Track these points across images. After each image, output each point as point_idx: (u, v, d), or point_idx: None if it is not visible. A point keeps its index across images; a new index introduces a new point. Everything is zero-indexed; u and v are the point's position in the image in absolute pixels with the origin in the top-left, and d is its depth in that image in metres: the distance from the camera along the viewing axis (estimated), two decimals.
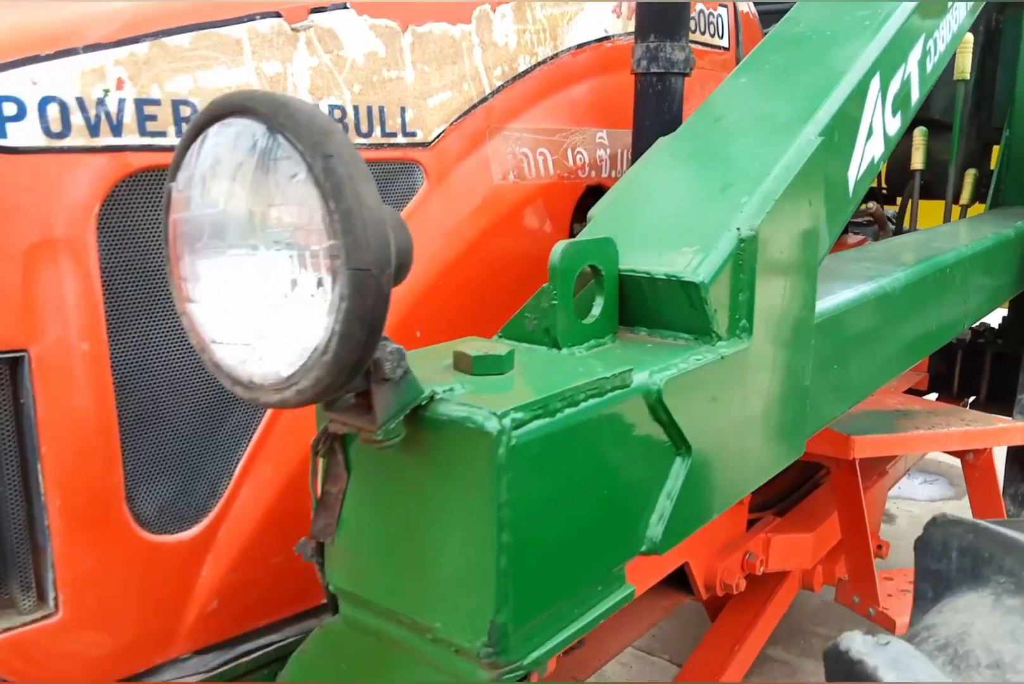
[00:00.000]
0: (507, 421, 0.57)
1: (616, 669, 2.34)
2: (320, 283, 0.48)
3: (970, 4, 1.40)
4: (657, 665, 2.36)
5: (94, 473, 0.79)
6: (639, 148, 1.07)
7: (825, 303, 1.07)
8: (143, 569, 0.84)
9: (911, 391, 2.30)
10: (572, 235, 1.19)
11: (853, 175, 1.06)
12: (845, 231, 2.32)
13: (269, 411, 0.86)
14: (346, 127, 0.91)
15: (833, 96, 1.01)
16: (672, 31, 1.07)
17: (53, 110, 0.71)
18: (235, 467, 0.87)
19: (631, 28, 1.20)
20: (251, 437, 0.86)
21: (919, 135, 2.32)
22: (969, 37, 2.16)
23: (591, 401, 0.65)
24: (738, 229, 0.82)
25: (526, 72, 1.09)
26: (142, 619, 0.84)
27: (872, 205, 2.42)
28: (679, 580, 1.73)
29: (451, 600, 0.63)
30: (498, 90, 1.05)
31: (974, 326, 2.43)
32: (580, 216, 1.18)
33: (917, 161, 2.34)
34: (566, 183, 1.16)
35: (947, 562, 0.89)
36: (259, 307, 0.51)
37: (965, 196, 2.46)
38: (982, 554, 0.86)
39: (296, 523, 0.88)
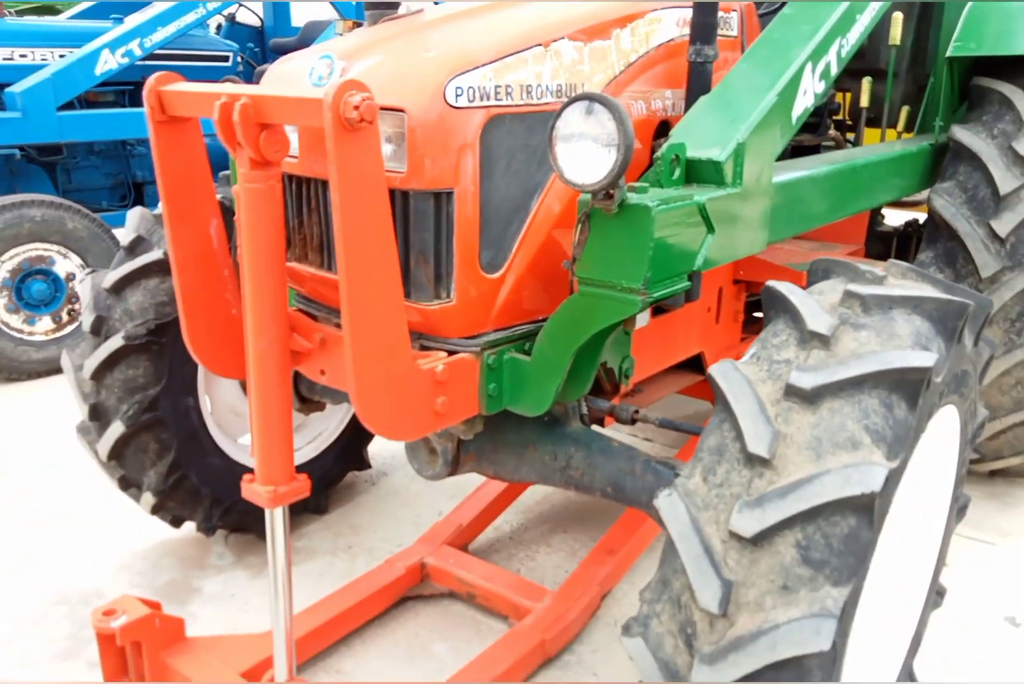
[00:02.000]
0: (658, 203, 1.68)
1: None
2: (612, 151, 1.57)
3: (874, 13, 2.45)
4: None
5: (469, 245, 1.89)
6: (689, 101, 2.15)
7: (780, 177, 2.17)
8: (480, 290, 1.95)
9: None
10: (653, 146, 2.26)
11: (796, 114, 2.14)
12: (817, 149, 3.37)
13: (532, 212, 1.95)
14: (571, 91, 1.99)
15: (785, 75, 2.08)
16: (708, 38, 2.13)
17: (475, 91, 1.80)
18: (515, 246, 1.98)
19: (686, 32, 2.25)
20: (524, 228, 1.97)
21: (865, 82, 3.35)
22: (899, 15, 3.18)
23: (681, 203, 1.76)
24: (737, 139, 1.92)
25: (634, 61, 2.16)
26: (481, 308, 1.96)
27: (833, 132, 3.48)
28: (697, 366, 2.88)
29: (629, 272, 1.74)
30: (621, 72, 2.13)
31: (908, 220, 3.54)
32: (658, 135, 2.27)
33: (864, 101, 3.37)
34: (651, 118, 2.24)
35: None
36: (583, 155, 1.61)
37: (900, 126, 3.52)
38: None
39: (537, 271, 1.99)
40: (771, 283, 1.70)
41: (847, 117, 3.67)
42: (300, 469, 3.15)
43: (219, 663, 2.30)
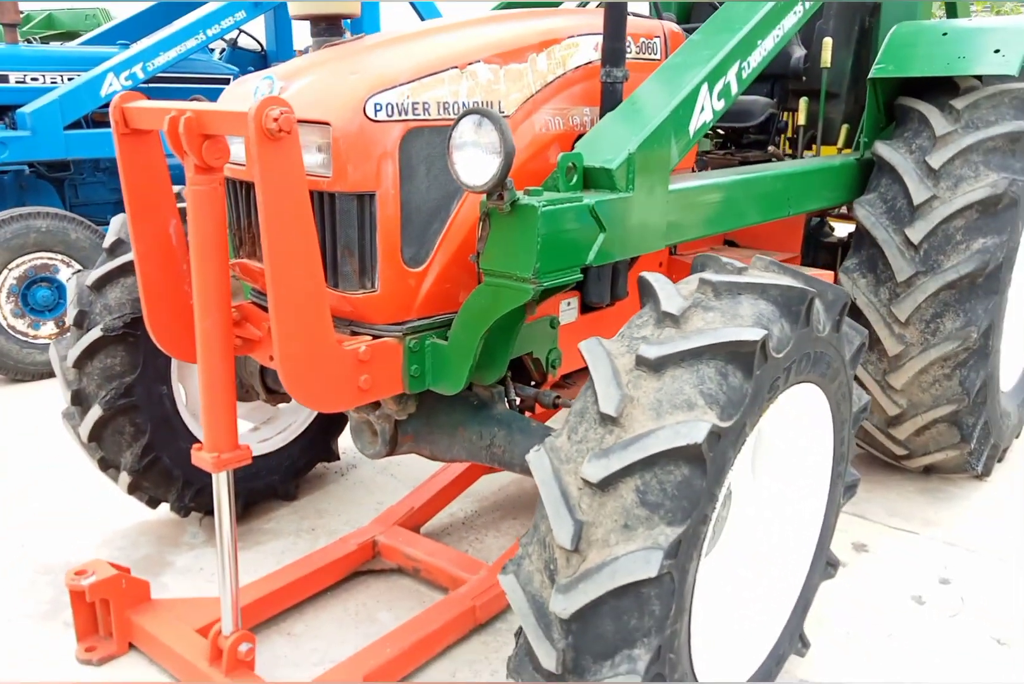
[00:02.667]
0: (544, 203, 1.94)
1: None
2: (496, 157, 1.83)
3: (778, 39, 2.72)
4: None
5: (391, 241, 2.16)
6: (602, 116, 2.41)
7: (679, 184, 2.43)
8: (403, 282, 2.21)
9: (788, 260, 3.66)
10: None
11: (693, 128, 2.40)
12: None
13: (452, 214, 2.22)
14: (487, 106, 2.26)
15: (680, 94, 2.34)
16: (617, 61, 2.40)
17: (392, 107, 2.07)
18: (436, 242, 2.24)
19: (598, 57, 2.51)
20: (445, 228, 2.23)
21: (802, 102, 3.63)
22: (828, 40, 3.45)
23: (569, 204, 2.01)
24: (629, 149, 2.17)
25: (551, 82, 2.44)
26: (404, 298, 2.22)
27: (772, 149, 3.74)
28: None
29: (522, 264, 1.99)
30: (537, 91, 2.40)
31: (851, 232, 3.77)
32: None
33: (801, 119, 3.64)
34: (569, 132, 2.51)
35: None
36: (473, 161, 1.87)
37: (840, 142, 3.78)
38: None
39: (458, 266, 2.25)
40: (643, 274, 1.95)
41: (791, 134, 3.92)
42: (269, 458, 3.46)
43: (178, 621, 2.55)
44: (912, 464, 3.61)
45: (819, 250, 3.85)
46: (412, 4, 6.54)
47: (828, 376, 2.14)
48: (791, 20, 2.75)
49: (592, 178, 2.17)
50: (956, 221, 3.11)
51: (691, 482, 1.66)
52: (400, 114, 2.08)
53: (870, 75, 3.34)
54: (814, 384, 2.12)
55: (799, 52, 3.67)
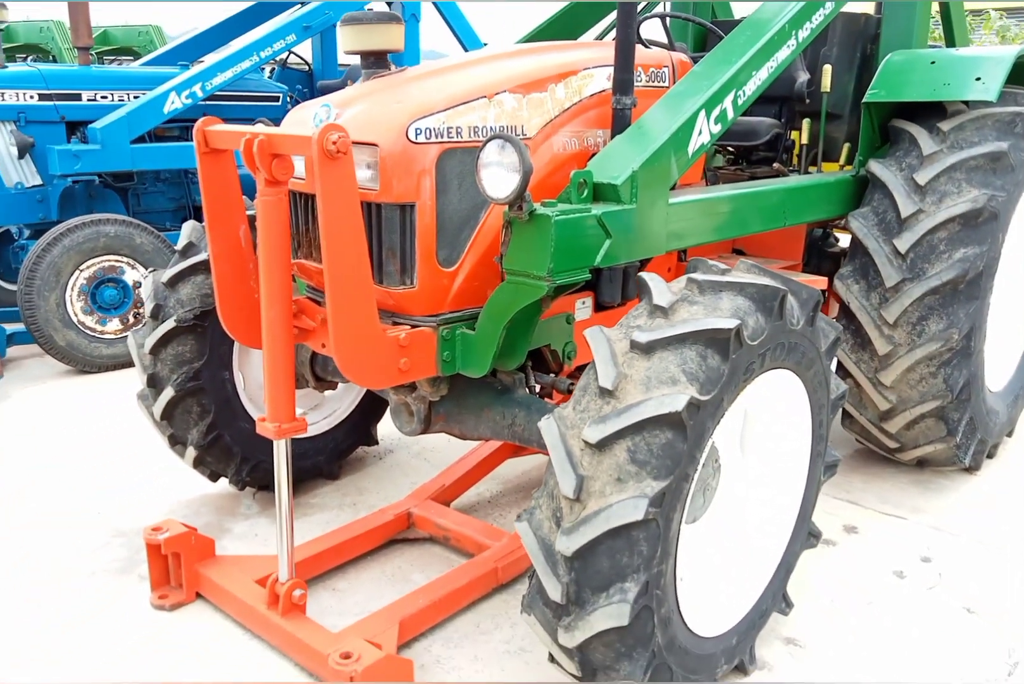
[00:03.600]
0: (557, 213, 2.29)
1: None
2: (516, 174, 2.20)
3: (772, 70, 3.06)
4: None
5: (428, 245, 2.52)
6: (613, 138, 2.77)
7: (680, 198, 2.78)
8: (438, 280, 2.58)
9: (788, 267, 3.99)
10: None
11: (692, 149, 2.75)
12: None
13: (481, 222, 2.59)
14: (510, 131, 2.63)
15: (679, 119, 2.70)
16: (626, 90, 2.76)
17: (430, 131, 2.45)
18: (467, 246, 2.61)
19: (610, 86, 2.87)
20: (474, 234, 2.60)
21: (805, 124, 3.96)
22: (828, 67, 3.78)
23: (578, 214, 2.37)
24: (632, 168, 2.53)
25: (568, 108, 2.80)
26: (438, 294, 2.59)
27: (777, 165, 4.07)
28: None
29: (538, 264, 2.35)
30: (556, 116, 2.77)
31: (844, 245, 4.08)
32: None
33: (804, 139, 3.98)
34: (584, 152, 2.87)
35: None
36: (497, 178, 2.24)
37: (842, 160, 4.10)
38: None
39: (485, 266, 2.62)
40: (641, 274, 2.30)
41: (798, 152, 4.25)
42: (316, 440, 3.84)
43: (239, 573, 2.93)
44: (905, 457, 3.90)
45: (823, 259, 4.17)
46: (453, 32, 6.97)
47: (803, 364, 2.47)
48: (784, 53, 3.09)
49: (601, 192, 2.52)
50: (940, 232, 3.41)
51: (673, 444, 2.00)
52: (437, 137, 2.45)
53: (864, 99, 3.67)
54: (790, 371, 2.45)
55: (803, 77, 3.99)
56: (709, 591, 2.51)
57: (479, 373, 2.61)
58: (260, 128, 2.42)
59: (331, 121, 2.50)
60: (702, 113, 2.76)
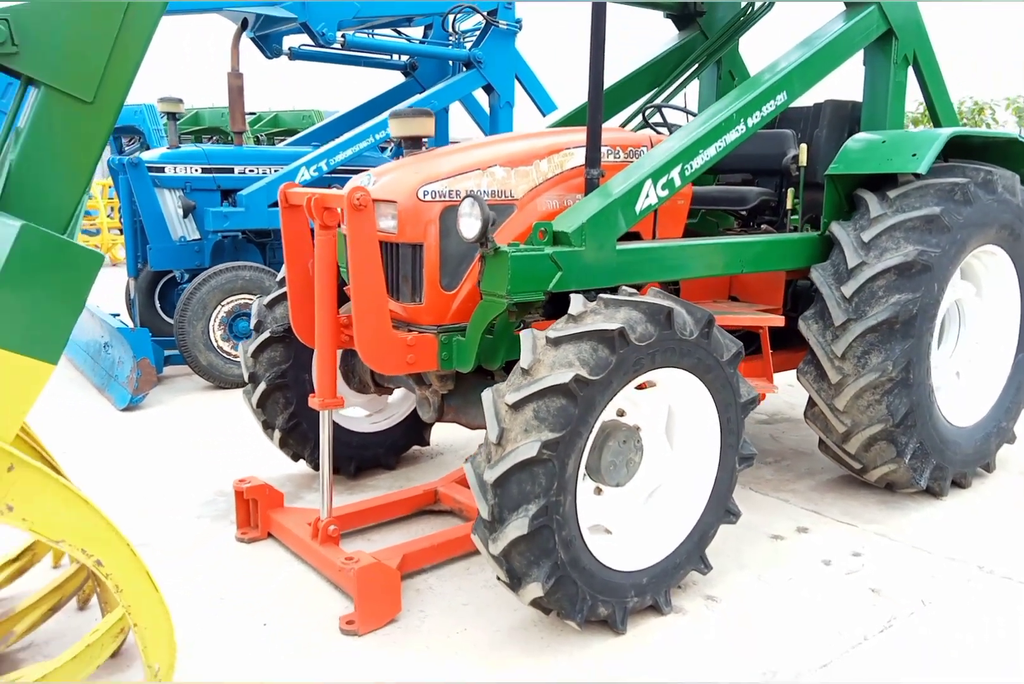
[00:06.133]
0: (515, 251, 3.24)
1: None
2: (478, 221, 3.16)
3: (720, 149, 3.92)
4: None
5: (432, 273, 3.49)
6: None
7: (628, 245, 3.67)
8: (440, 299, 3.55)
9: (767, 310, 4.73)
10: None
11: (639, 208, 3.64)
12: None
13: (475, 259, 3.55)
14: (501, 195, 3.62)
15: (629, 184, 3.60)
16: (595, 163, 3.67)
17: (436, 192, 3.47)
18: (464, 275, 3.58)
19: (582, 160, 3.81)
20: (470, 267, 3.57)
21: (789, 192, 4.76)
22: (804, 146, 4.59)
23: (531, 253, 3.30)
24: (582, 220, 3.44)
25: (551, 177, 3.77)
26: (441, 310, 3.56)
27: (764, 227, 4.87)
28: None
29: (500, 286, 3.27)
30: (540, 183, 3.74)
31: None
32: None
33: (788, 204, 4.77)
34: (563, 209, 3.81)
35: None
36: (468, 224, 3.21)
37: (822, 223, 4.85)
38: None
39: (477, 291, 3.57)
40: (572, 295, 3.20)
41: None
42: (377, 435, 4.85)
43: (297, 518, 3.93)
44: (870, 477, 4.50)
45: (807, 304, 4.89)
46: (532, 98, 8.15)
47: (700, 368, 3.27)
48: (733, 135, 3.96)
49: (559, 237, 3.44)
50: (879, 281, 4.12)
51: (567, 409, 2.87)
52: (440, 197, 3.47)
53: (826, 172, 4.45)
54: (687, 372, 3.25)
55: (792, 152, 4.80)
56: (625, 536, 3.30)
57: (466, 368, 3.55)
58: (320, 190, 3.51)
59: (370, 185, 3.57)
60: (648, 181, 3.65)
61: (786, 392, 6.38)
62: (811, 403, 4.45)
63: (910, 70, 4.84)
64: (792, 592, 3.60)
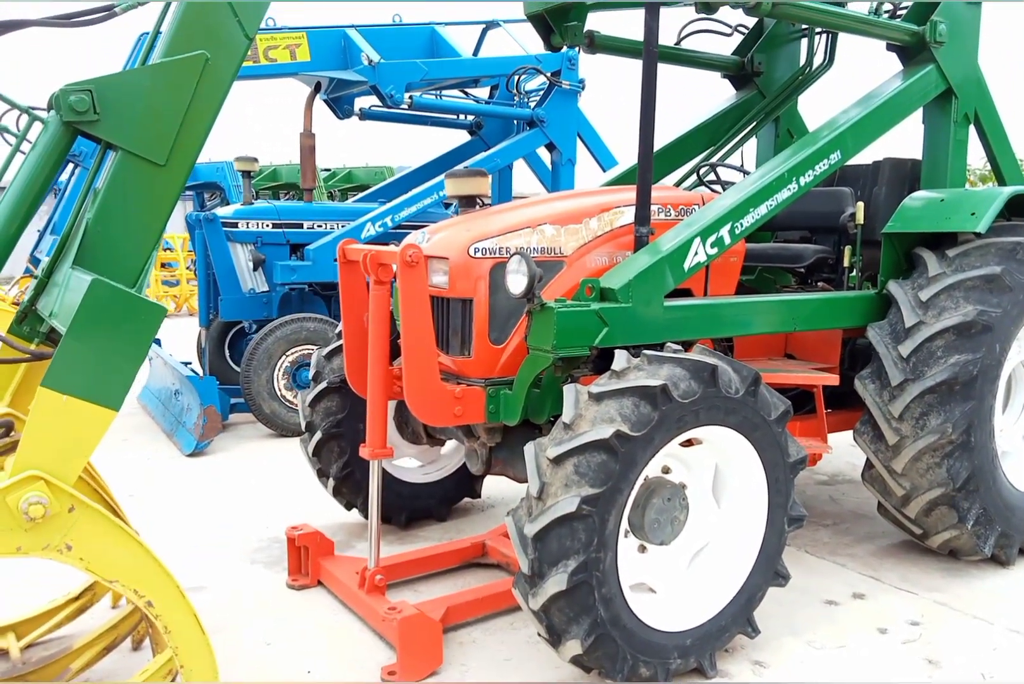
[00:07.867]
0: (561, 307, 3.30)
1: None
2: (524, 277, 3.24)
3: (771, 207, 3.95)
4: None
5: (482, 328, 3.57)
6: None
7: (677, 302, 3.69)
8: (489, 353, 3.61)
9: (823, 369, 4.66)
10: None
11: (687, 265, 3.67)
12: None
13: (523, 315, 3.62)
14: (550, 252, 3.70)
15: (678, 241, 3.64)
16: (645, 222, 3.74)
17: (486, 249, 3.57)
18: (512, 330, 3.64)
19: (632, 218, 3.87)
20: (519, 322, 3.64)
21: (847, 250, 4.73)
22: (861, 203, 4.58)
23: (578, 309, 3.35)
24: (629, 277, 3.49)
25: (600, 235, 3.84)
26: (489, 364, 3.62)
27: (821, 284, 4.84)
28: None
29: (547, 342, 3.32)
30: (589, 241, 3.81)
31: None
32: None
33: (845, 262, 4.74)
34: (612, 266, 3.87)
35: None
36: (516, 280, 3.28)
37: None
38: None
39: (524, 345, 3.63)
40: (616, 350, 3.23)
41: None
42: (430, 486, 4.90)
43: (346, 566, 3.98)
44: (932, 543, 4.36)
45: (865, 362, 4.82)
46: (592, 153, 8.29)
47: (746, 426, 3.26)
48: (785, 194, 3.98)
49: (606, 294, 3.50)
50: (937, 341, 4.05)
51: (607, 464, 2.88)
52: (490, 254, 3.56)
53: (883, 230, 4.43)
54: (733, 429, 3.24)
55: (850, 210, 4.79)
56: (669, 595, 3.27)
57: (513, 421, 3.59)
58: (376, 247, 3.63)
59: (423, 242, 3.68)
60: (697, 239, 3.69)
61: (848, 453, 6.25)
62: (869, 465, 4.35)
63: (971, 127, 4.81)
64: (844, 660, 3.49)
